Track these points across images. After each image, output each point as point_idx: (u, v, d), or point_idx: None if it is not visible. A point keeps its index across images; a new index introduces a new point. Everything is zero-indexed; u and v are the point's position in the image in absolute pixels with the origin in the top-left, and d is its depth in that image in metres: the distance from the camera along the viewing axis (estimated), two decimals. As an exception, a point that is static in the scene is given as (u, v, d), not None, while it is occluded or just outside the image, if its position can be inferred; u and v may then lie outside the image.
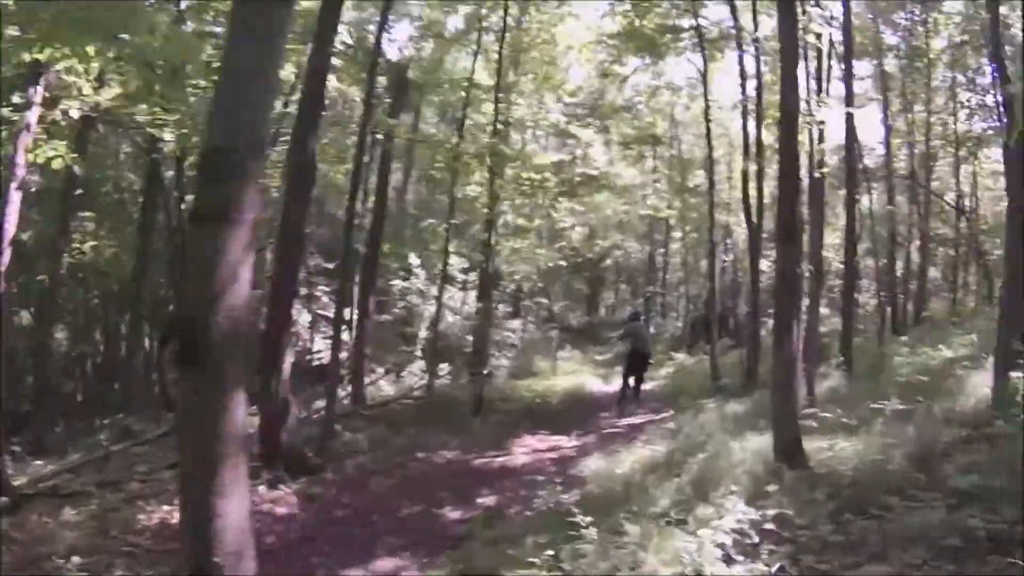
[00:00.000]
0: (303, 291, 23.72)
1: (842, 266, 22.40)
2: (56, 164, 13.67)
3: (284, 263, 14.39)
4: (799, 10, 10.59)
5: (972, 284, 32.75)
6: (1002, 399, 9.63)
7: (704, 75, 24.29)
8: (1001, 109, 26.42)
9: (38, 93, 12.31)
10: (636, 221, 43.70)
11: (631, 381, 21.25)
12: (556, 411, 20.89)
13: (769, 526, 6.61)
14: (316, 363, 24.70)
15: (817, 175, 16.57)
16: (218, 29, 20.48)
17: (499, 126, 22.99)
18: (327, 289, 26.87)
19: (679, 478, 9.77)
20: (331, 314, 23.33)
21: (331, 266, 26.34)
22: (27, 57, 11.55)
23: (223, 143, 6.25)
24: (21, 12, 10.70)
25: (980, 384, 11.21)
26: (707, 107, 24.27)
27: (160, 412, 21.08)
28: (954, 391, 11.63)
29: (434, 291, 24.47)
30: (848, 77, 18.39)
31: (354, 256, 22.75)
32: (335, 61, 20.95)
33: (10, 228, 12.45)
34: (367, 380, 23.28)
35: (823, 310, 21.56)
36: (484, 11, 23.45)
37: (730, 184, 33.58)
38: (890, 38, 28.46)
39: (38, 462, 15.30)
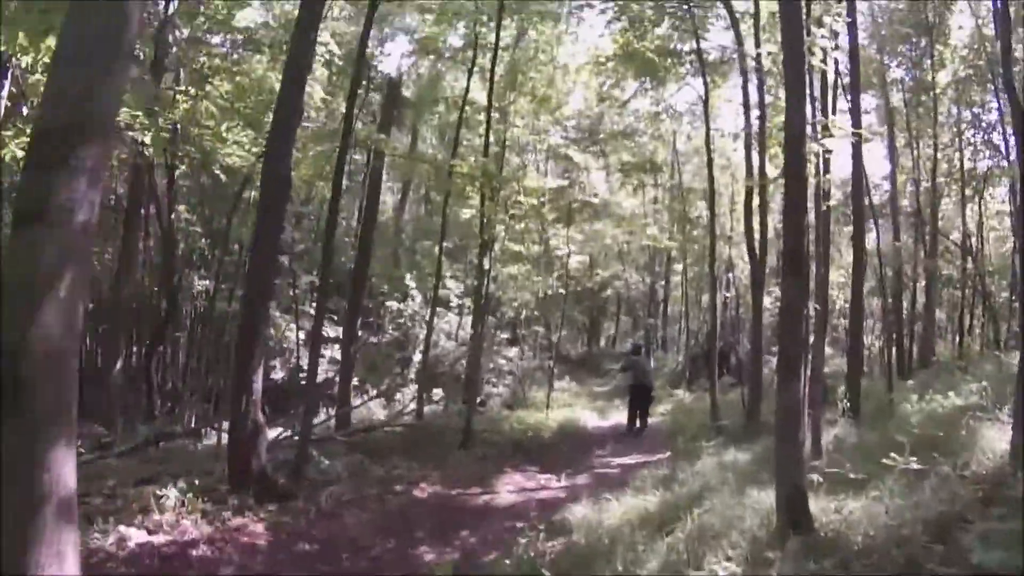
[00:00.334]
0: (294, 308, 23.18)
1: (846, 304, 21.71)
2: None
3: (256, 279, 13.59)
4: (804, 25, 9.74)
5: (976, 327, 32.06)
6: (1022, 458, 8.89)
7: (706, 101, 23.86)
8: (1008, 145, 26.58)
9: (4, 87, 11.59)
10: (637, 251, 43.43)
11: (636, 414, 21.77)
12: (548, 446, 20.05)
13: (769, 609, 5.90)
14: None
15: (823, 207, 15.82)
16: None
17: (495, 147, 22.45)
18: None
19: (671, 536, 9.01)
20: (328, 333, 23.78)
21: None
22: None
23: (50, 123, 5.28)
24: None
25: (996, 439, 10.52)
26: (708, 135, 24.00)
27: (139, 422, 20.86)
28: (968, 445, 10.74)
29: (428, 315, 23.69)
30: (855, 97, 17.47)
31: (334, 274, 22.36)
32: (321, 72, 20.47)
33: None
34: (358, 402, 22.87)
35: (827, 350, 20.87)
36: (480, 29, 22.72)
37: (732, 216, 33.19)
38: (895, 71, 28.35)
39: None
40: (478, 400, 23.25)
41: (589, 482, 15.71)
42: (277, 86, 15.29)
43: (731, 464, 13.49)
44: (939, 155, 29.11)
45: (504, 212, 22.59)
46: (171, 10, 19.98)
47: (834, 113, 16.67)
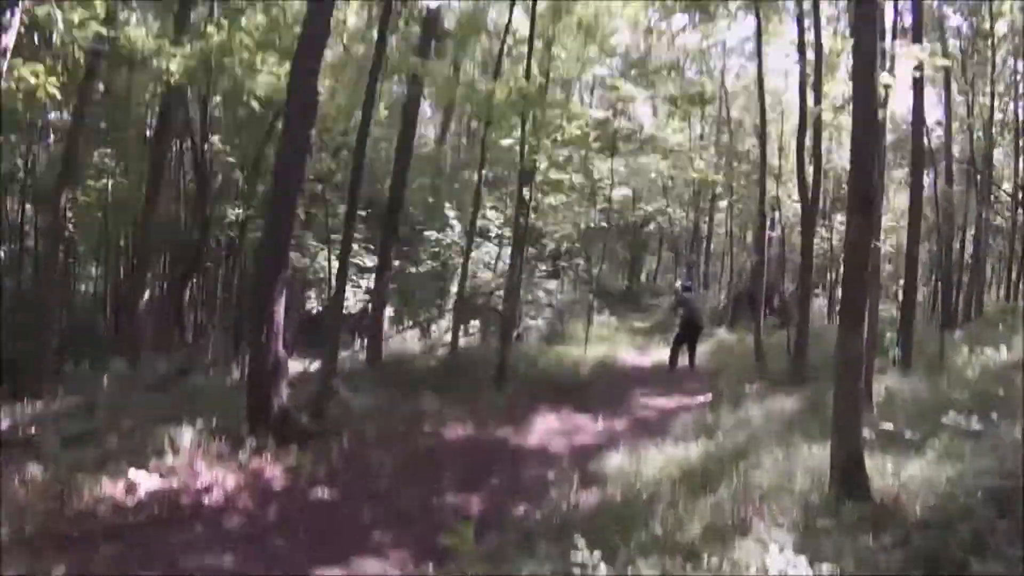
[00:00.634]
0: (329, 237, 22.72)
1: (890, 249, 21.07)
2: (40, 93, 12.30)
3: (278, 205, 13.00)
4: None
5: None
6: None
7: (759, 35, 23.03)
8: None
9: (15, 15, 10.94)
10: (681, 186, 42.72)
11: (684, 349, 22.10)
12: (585, 384, 19.33)
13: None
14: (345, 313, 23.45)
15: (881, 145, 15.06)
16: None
17: (540, 78, 21.73)
18: (357, 236, 25.71)
19: (715, 495, 8.40)
20: (365, 263, 23.38)
21: (362, 213, 25.79)
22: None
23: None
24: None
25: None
26: (760, 71, 23.29)
27: (166, 355, 20.56)
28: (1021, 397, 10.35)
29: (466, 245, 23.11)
30: (917, 38, 16.66)
31: (372, 204, 22.82)
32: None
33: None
34: (395, 333, 22.73)
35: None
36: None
37: (781, 155, 32.37)
38: (953, 19, 27.65)
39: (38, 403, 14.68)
40: (515, 334, 22.88)
41: (627, 425, 15.11)
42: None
43: (778, 413, 12.91)
44: (995, 104, 28.48)
45: (547, 139, 21.83)
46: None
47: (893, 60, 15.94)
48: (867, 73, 8.27)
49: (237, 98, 21.66)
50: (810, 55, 19.78)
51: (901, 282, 20.21)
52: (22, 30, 11.80)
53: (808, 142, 19.70)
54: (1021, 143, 28.71)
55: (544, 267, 30.90)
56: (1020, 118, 28.69)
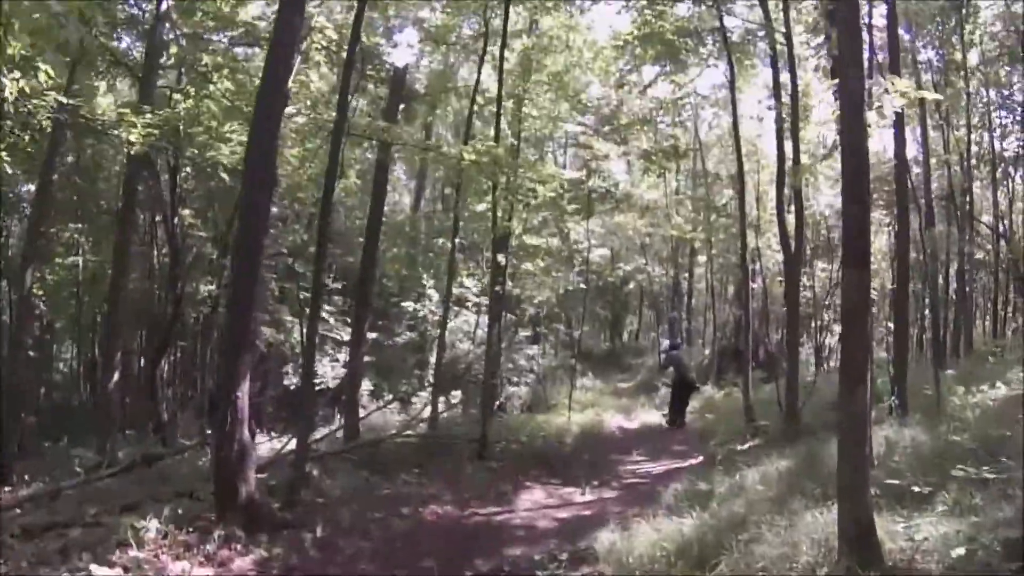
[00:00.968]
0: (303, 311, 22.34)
1: (874, 291, 20.65)
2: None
3: (239, 284, 12.35)
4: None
5: (1010, 312, 31.81)
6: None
7: (732, 83, 22.79)
8: None
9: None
10: (659, 243, 42.62)
11: (677, 406, 22.38)
12: (570, 453, 18.77)
13: None
14: (320, 387, 23.09)
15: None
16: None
17: (511, 139, 21.43)
18: (332, 309, 25.66)
19: (714, 572, 7.80)
20: (342, 336, 23.26)
21: (338, 286, 26.00)
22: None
23: None
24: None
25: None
26: (736, 118, 23.05)
27: (146, 432, 20.78)
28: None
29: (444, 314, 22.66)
30: (895, 70, 16.26)
31: (345, 275, 22.95)
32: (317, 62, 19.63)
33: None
34: (371, 408, 22.03)
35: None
36: (491, 16, 21.69)
37: (759, 205, 32.11)
38: (925, 52, 27.52)
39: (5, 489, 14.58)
40: (496, 404, 22.56)
41: (616, 495, 14.64)
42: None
43: (774, 475, 12.24)
44: (972, 135, 28.31)
45: (520, 202, 21.47)
46: (164, 7, 19.02)
47: (870, 97, 15.50)
48: (856, 118, 7.78)
49: (207, 169, 21.33)
50: (786, 99, 19.48)
51: (888, 324, 19.81)
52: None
53: (787, 191, 19.30)
54: (998, 174, 28.61)
55: (524, 333, 30.49)
56: (995, 149, 28.53)
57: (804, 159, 18.23)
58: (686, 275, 44.29)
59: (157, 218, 25.30)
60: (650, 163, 33.20)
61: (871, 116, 8.77)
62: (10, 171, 12.81)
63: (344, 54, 17.75)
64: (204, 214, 24.53)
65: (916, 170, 26.09)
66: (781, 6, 19.71)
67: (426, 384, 25.56)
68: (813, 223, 29.58)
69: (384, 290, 26.97)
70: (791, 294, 19.60)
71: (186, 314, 24.60)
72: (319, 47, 19.58)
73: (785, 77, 19.80)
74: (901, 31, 23.12)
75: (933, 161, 27.14)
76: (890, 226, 23.47)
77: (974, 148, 28.32)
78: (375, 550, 11.34)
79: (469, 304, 27.41)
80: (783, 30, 19.34)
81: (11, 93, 12.63)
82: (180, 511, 11.15)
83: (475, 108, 23.01)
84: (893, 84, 9.34)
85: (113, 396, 19.79)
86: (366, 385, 24.02)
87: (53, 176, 19.65)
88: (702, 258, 40.47)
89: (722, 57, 23.00)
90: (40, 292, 21.24)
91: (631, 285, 46.99)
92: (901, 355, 16.33)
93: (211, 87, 19.97)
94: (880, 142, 18.73)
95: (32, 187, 22.89)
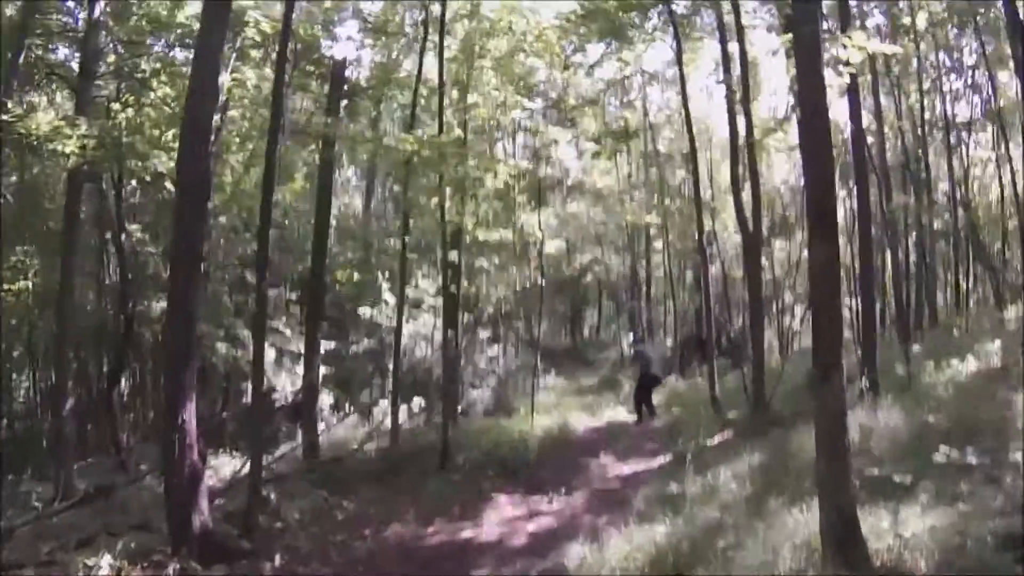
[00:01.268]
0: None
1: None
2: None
3: (178, 300, 11.78)
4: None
5: (970, 282, 31.80)
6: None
7: (679, 56, 22.47)
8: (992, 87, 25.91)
9: None
10: (614, 232, 42.22)
11: (644, 401, 21.91)
12: (536, 459, 18.10)
13: None
14: (280, 402, 23.05)
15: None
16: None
17: (457, 130, 20.98)
18: (287, 321, 25.50)
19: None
20: (300, 348, 22.27)
21: (292, 296, 25.93)
22: None
23: None
24: None
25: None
26: (684, 93, 22.96)
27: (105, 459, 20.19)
28: (1006, 418, 9.97)
29: (404, 318, 22.12)
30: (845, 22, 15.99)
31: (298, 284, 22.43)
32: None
33: None
34: (336, 421, 21.99)
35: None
36: (431, 1, 21.11)
37: (713, 184, 31.87)
38: (872, 19, 27.31)
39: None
40: (458, 410, 22.29)
41: (585, 502, 14.13)
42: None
43: (747, 472, 11.81)
44: (924, 102, 27.94)
45: (468, 195, 21.04)
46: (97, 12, 18.25)
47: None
48: (812, 70, 7.33)
49: (150, 181, 20.75)
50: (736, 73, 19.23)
51: (853, 301, 19.53)
52: None
53: (741, 168, 19.01)
54: (951, 140, 28.51)
55: (484, 333, 30.07)
56: (948, 114, 28.61)
57: (757, 133, 17.80)
58: (643, 263, 43.99)
59: (107, 235, 24.70)
60: (600, 146, 32.92)
61: (829, 75, 8.32)
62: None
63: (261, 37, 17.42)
64: (154, 228, 23.85)
65: (869, 139, 25.95)
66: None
67: (388, 392, 24.92)
68: (768, 201, 29.34)
69: (338, 297, 26.41)
70: (753, 276, 19.33)
71: (141, 333, 23.95)
72: (254, 42, 19.13)
73: (734, 48, 19.67)
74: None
75: (886, 130, 26.93)
76: (847, 198, 23.15)
77: (927, 115, 28.11)
78: (336, 576, 10.88)
79: (425, 306, 26.96)
80: (729, -1, 18.99)
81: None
82: (134, 545, 10.83)
83: (419, 99, 22.64)
84: (850, 38, 8.91)
85: (69, 423, 19.23)
86: (327, 398, 23.71)
87: (-1, 198, 19.09)
88: (659, 244, 40.21)
89: (668, 31, 22.85)
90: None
91: (589, 277, 46.66)
92: (869, 334, 16.08)
93: (151, 94, 19.60)
94: (833, 112, 18.40)
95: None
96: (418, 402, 23.39)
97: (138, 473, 18.31)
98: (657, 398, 22.98)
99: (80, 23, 19.45)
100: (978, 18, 25.11)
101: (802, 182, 29.18)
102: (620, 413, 23.04)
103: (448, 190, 19.38)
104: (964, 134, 29.71)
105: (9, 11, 16.06)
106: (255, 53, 19.93)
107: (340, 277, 24.89)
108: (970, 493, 7.50)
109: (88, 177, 19.44)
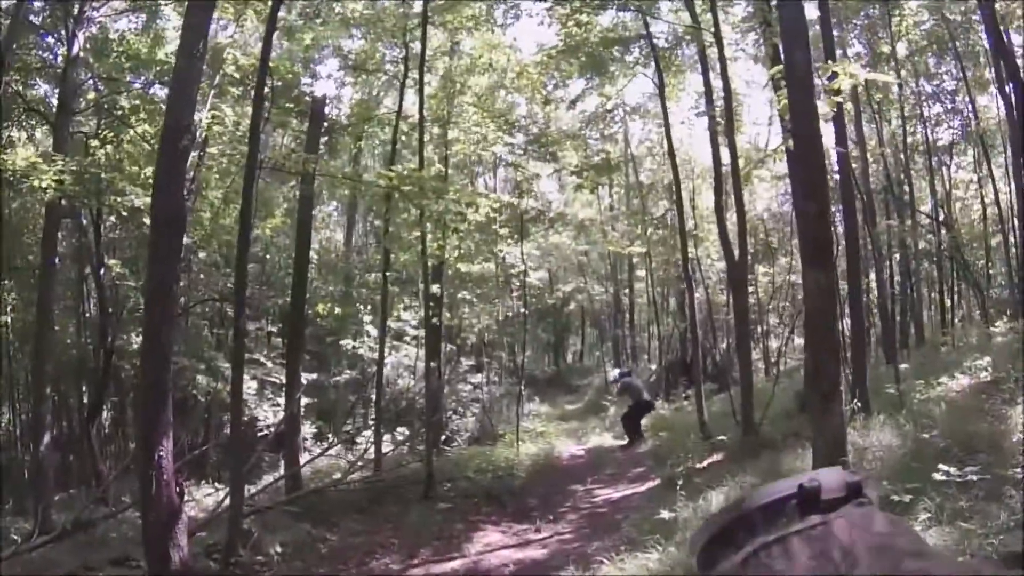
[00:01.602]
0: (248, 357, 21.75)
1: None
2: None
3: (153, 335, 11.52)
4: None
5: (955, 300, 31.59)
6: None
7: (661, 88, 22.59)
8: (971, 111, 26.96)
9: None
10: (597, 261, 42.38)
11: (633, 426, 22.03)
12: (522, 487, 18.08)
13: None
14: (263, 432, 22.61)
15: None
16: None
17: (438, 165, 20.97)
18: (270, 354, 25.50)
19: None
20: (282, 379, 22.12)
21: (274, 329, 26.25)
22: None
23: None
24: None
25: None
26: (667, 124, 22.97)
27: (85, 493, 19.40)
28: (1002, 432, 9.95)
29: (387, 350, 22.12)
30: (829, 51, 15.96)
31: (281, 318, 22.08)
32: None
33: None
34: (311, 455, 21.20)
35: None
36: (411, 40, 21.34)
37: (695, 213, 31.92)
38: (854, 46, 27.88)
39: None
40: (443, 438, 22.24)
41: (574, 529, 13.93)
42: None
43: (739, 495, 11.54)
44: (907, 127, 28.65)
45: (449, 229, 20.92)
46: (76, 48, 18.22)
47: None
48: (805, 100, 7.17)
49: (125, 216, 20.75)
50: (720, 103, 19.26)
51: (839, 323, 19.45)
52: None
53: (726, 196, 18.97)
54: (933, 163, 28.99)
55: (468, 363, 30.00)
56: (929, 139, 28.91)
57: (742, 163, 17.78)
58: (626, 291, 43.97)
59: (86, 270, 24.55)
60: (582, 179, 32.93)
61: (820, 105, 8.19)
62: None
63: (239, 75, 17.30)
64: (134, 263, 23.79)
65: (853, 165, 26.18)
66: (708, 6, 19.43)
67: (370, 423, 24.77)
68: (752, 227, 29.39)
69: (319, 329, 26.33)
70: (739, 301, 19.34)
71: (121, 367, 23.76)
72: (233, 79, 18.99)
73: (716, 79, 19.75)
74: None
75: (868, 156, 27.15)
76: (833, 222, 23.27)
77: (909, 139, 28.40)
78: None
79: (408, 338, 27.01)
80: (712, 31, 18.93)
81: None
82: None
83: (399, 136, 22.65)
84: (843, 67, 8.75)
85: (48, 457, 18.99)
86: (309, 428, 23.72)
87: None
88: (641, 272, 40.23)
89: (650, 64, 23.07)
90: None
91: (571, 306, 46.84)
92: (859, 354, 16.02)
93: (130, 131, 19.58)
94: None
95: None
96: (402, 431, 23.25)
97: (119, 505, 18.10)
98: (644, 421, 22.86)
99: (59, 59, 19.59)
100: (958, 44, 25.36)
101: (785, 208, 29.42)
102: (606, 439, 22.95)
103: (429, 225, 19.17)
104: (945, 157, 30.03)
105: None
106: (234, 90, 19.79)
107: (321, 310, 24.81)
108: (971, 510, 7.32)
109: (67, 212, 19.42)
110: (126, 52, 19.98)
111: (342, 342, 26.39)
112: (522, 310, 30.65)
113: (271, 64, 16.78)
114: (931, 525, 7.29)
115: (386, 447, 20.42)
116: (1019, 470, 7.72)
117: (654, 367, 37.36)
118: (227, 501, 14.94)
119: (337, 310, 25.75)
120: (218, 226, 21.71)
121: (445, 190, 19.28)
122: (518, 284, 29.85)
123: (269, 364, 24.50)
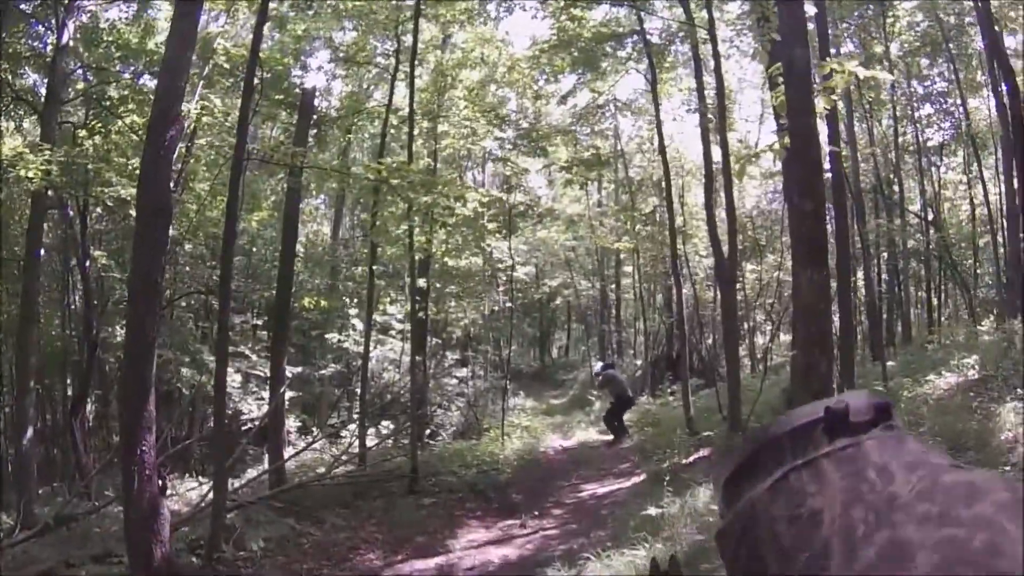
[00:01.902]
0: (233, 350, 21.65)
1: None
2: None
3: (136, 327, 11.41)
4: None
5: (942, 299, 32.22)
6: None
7: (654, 84, 22.52)
8: (961, 112, 27.12)
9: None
10: (584, 257, 42.27)
11: (616, 422, 21.68)
12: (507, 481, 17.95)
13: None
14: (247, 426, 22.56)
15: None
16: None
17: (427, 159, 20.84)
18: (256, 348, 25.25)
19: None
20: (264, 372, 22.48)
21: (259, 322, 25.86)
22: None
23: None
24: None
25: (1015, 422, 9.68)
26: (659, 121, 22.90)
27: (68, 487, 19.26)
28: (995, 433, 9.73)
29: (372, 343, 22.19)
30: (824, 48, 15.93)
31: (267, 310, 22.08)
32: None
33: None
34: (296, 448, 21.10)
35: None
36: (403, 33, 21.11)
37: (685, 211, 31.83)
38: (847, 45, 27.70)
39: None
40: (428, 433, 22.14)
41: (559, 525, 13.87)
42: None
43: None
44: (898, 128, 28.90)
45: (436, 224, 20.78)
46: (65, 37, 18.01)
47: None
48: (803, 97, 7.08)
49: (119, 208, 20.60)
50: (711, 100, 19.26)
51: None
52: None
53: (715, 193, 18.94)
54: (923, 163, 29.31)
55: (453, 356, 29.86)
56: (920, 139, 29.13)
57: (732, 160, 17.71)
58: (613, 286, 43.90)
59: (72, 262, 24.41)
60: (571, 175, 32.84)
61: (816, 102, 8.11)
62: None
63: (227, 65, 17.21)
64: (119, 255, 23.66)
65: (844, 164, 26.26)
66: (703, 3, 19.32)
67: (355, 416, 24.73)
68: (740, 225, 29.43)
69: (304, 323, 26.24)
70: (727, 297, 19.23)
71: (106, 360, 23.77)
72: (222, 70, 18.87)
73: (709, 75, 19.61)
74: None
75: (859, 155, 27.15)
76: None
77: (899, 140, 28.54)
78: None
79: (394, 331, 26.94)
80: (706, 27, 18.82)
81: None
82: (96, 577, 10.24)
83: (389, 129, 22.53)
84: (841, 64, 8.68)
85: (30, 450, 18.85)
86: (294, 422, 23.61)
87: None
88: (628, 268, 40.18)
89: (642, 60, 23.01)
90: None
91: (558, 300, 46.88)
92: (847, 353, 16.03)
93: (118, 121, 19.42)
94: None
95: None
96: (387, 425, 23.16)
97: (102, 500, 17.97)
98: (630, 418, 22.79)
99: (48, 48, 19.41)
100: (951, 46, 25.41)
101: (774, 206, 29.35)
102: (591, 433, 22.91)
103: (417, 218, 19.07)
104: (935, 157, 30.32)
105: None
106: (224, 81, 19.66)
107: (307, 304, 24.70)
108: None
109: (53, 203, 19.21)
110: (116, 42, 19.84)
111: (327, 335, 26.31)
112: (508, 305, 30.54)
113: (261, 55, 16.67)
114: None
115: (371, 441, 20.37)
116: (1007, 467, 7.64)
117: (640, 362, 37.31)
118: (210, 495, 14.86)
119: (323, 303, 25.64)
120: (204, 218, 21.59)
121: (434, 184, 19.13)
122: (505, 279, 29.74)
123: (254, 357, 24.40)
